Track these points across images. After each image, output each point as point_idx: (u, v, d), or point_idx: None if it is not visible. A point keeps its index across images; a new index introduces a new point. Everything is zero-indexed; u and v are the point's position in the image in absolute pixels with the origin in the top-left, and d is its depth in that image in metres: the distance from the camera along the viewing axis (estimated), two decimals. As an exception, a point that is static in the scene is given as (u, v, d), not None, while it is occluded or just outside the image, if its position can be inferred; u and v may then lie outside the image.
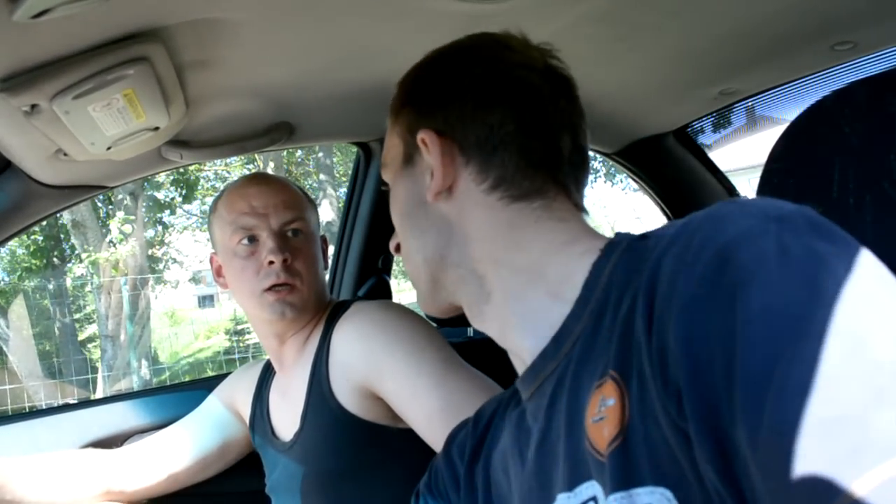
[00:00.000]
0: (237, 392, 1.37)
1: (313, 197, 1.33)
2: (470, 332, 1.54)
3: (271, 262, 1.16)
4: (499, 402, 0.79)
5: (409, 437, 1.08)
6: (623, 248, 0.59)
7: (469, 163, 0.67)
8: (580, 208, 0.69)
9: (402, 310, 1.17)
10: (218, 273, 1.26)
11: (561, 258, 0.63)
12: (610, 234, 0.64)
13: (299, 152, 10.52)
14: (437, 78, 0.71)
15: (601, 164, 9.55)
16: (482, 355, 1.35)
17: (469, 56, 0.70)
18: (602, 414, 0.52)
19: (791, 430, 0.37)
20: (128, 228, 7.93)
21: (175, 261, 12.09)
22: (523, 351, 0.65)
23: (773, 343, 0.39)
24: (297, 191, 1.26)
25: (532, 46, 0.71)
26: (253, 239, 1.18)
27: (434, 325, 1.44)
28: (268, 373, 1.34)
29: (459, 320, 1.48)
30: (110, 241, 8.13)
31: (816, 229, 0.44)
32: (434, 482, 0.83)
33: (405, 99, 0.73)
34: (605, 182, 11.80)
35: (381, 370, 1.08)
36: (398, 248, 0.77)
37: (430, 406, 1.03)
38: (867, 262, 0.42)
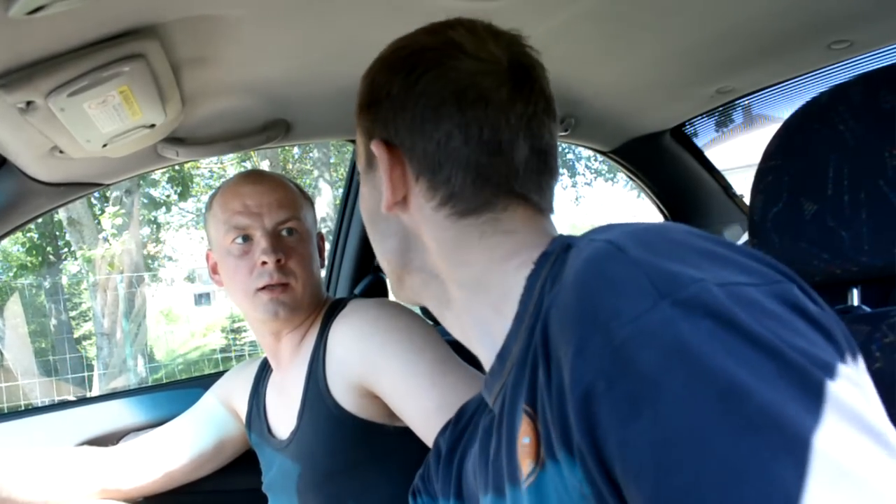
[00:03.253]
0: (233, 390, 1.37)
1: (310, 194, 1.32)
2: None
3: (265, 263, 1.15)
4: (480, 401, 0.79)
5: (405, 436, 1.08)
6: (553, 259, 0.58)
7: (419, 178, 0.65)
8: (543, 211, 0.67)
9: (400, 308, 1.17)
10: (213, 270, 1.26)
11: (500, 274, 0.63)
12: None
13: (296, 150, 10.51)
14: (388, 84, 0.66)
15: (601, 163, 9.55)
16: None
17: (419, 61, 0.65)
18: (525, 438, 0.54)
19: None
20: (119, 222, 7.89)
21: (171, 258, 12.08)
22: (482, 361, 0.67)
23: (692, 474, 0.37)
24: (293, 188, 1.26)
25: (493, 39, 0.66)
26: (247, 238, 1.18)
27: (430, 322, 1.44)
28: (264, 370, 1.33)
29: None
30: (105, 238, 8.11)
31: (716, 317, 0.41)
32: (427, 475, 0.85)
33: (361, 101, 0.70)
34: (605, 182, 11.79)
35: (378, 368, 1.08)
36: None
37: (426, 404, 1.03)
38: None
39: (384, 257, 0.72)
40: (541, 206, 0.66)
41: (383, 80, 0.67)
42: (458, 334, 0.69)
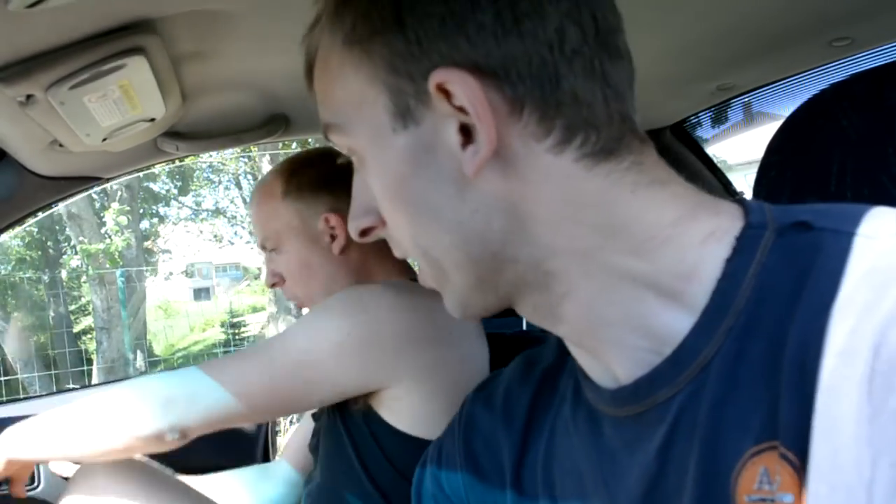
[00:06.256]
0: None
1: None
2: (525, 324, 1.46)
3: None
4: (534, 389, 0.61)
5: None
6: (772, 242, 0.42)
7: (524, 108, 0.42)
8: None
9: (379, 301, 0.96)
10: None
11: (675, 247, 0.44)
12: None
13: (294, 145, 10.49)
14: None
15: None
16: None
17: None
18: (766, 496, 0.38)
19: None
20: (123, 220, 7.91)
21: (170, 253, 12.08)
22: (615, 367, 0.48)
23: None
24: (266, 192, 1.15)
25: None
26: None
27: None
28: None
29: (512, 311, 1.41)
30: (105, 233, 8.11)
31: None
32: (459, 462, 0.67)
33: (380, 16, 0.44)
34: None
35: None
36: (365, 233, 0.53)
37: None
38: None
39: (461, 251, 0.47)
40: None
41: None
42: (575, 337, 0.50)
